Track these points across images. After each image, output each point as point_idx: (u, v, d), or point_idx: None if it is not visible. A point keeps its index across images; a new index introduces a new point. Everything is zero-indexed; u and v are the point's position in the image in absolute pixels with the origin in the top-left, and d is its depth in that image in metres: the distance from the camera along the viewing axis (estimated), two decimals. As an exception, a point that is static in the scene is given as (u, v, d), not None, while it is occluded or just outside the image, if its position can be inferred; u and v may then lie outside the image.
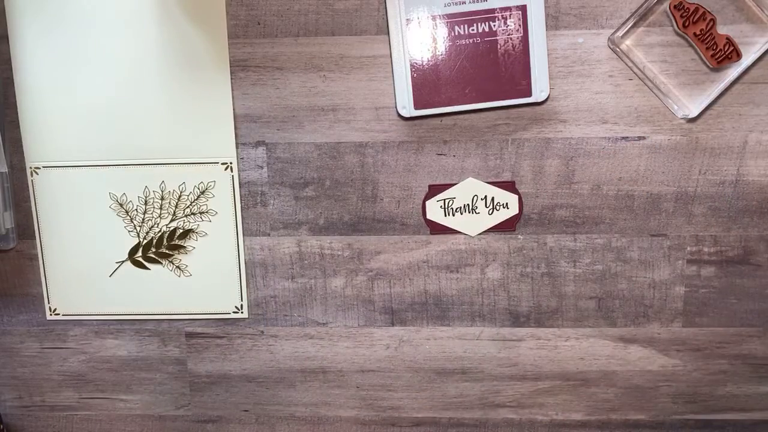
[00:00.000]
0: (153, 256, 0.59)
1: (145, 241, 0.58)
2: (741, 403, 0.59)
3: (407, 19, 0.53)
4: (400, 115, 0.55)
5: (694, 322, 0.58)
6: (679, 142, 0.54)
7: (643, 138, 0.54)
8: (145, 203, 0.58)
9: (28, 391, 0.62)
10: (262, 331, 0.60)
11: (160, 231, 0.58)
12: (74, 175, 0.57)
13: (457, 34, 0.53)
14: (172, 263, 0.59)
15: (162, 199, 0.58)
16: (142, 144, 0.56)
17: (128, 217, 0.58)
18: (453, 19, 0.52)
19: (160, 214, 0.58)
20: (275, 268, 0.59)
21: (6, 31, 0.55)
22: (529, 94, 0.53)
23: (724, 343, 0.58)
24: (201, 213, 0.58)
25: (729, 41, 0.51)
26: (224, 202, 0.57)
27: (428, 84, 0.53)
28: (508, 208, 0.56)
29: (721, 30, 0.51)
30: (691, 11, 0.51)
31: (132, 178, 0.57)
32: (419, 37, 0.53)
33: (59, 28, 0.55)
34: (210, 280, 0.59)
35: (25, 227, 0.59)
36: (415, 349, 0.59)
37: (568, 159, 0.55)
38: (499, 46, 0.53)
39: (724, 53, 0.52)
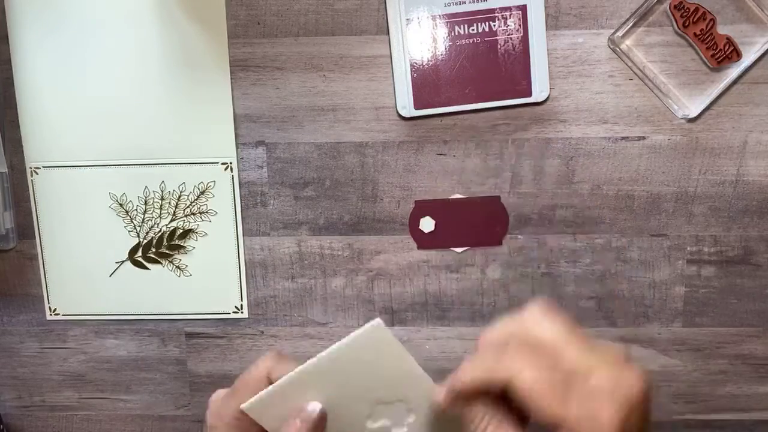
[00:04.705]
0: (153, 256, 0.59)
1: (145, 241, 0.58)
2: (741, 403, 0.59)
3: (407, 19, 0.53)
4: (400, 115, 0.55)
5: (694, 322, 0.58)
6: (679, 142, 0.54)
7: (643, 138, 0.54)
8: (145, 203, 0.58)
9: (28, 391, 0.62)
10: (262, 331, 0.60)
11: (160, 231, 0.58)
12: (74, 175, 0.57)
13: (457, 34, 0.53)
14: (172, 263, 0.59)
15: (162, 199, 0.58)
16: (142, 144, 0.56)
17: (128, 217, 0.58)
18: (453, 19, 0.52)
19: (160, 214, 0.58)
20: (275, 268, 0.59)
21: (6, 31, 0.55)
22: (529, 94, 0.53)
23: (724, 343, 0.58)
24: (201, 213, 0.58)
25: (729, 41, 0.51)
26: (224, 202, 0.57)
27: (428, 84, 0.53)
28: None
29: (721, 30, 0.51)
30: (691, 11, 0.51)
31: (132, 178, 0.57)
32: (419, 37, 0.53)
33: (59, 28, 0.55)
34: (210, 280, 0.59)
35: (25, 227, 0.59)
36: (415, 350, 0.59)
37: (568, 159, 0.55)
38: (499, 46, 0.53)
39: (724, 53, 0.52)
